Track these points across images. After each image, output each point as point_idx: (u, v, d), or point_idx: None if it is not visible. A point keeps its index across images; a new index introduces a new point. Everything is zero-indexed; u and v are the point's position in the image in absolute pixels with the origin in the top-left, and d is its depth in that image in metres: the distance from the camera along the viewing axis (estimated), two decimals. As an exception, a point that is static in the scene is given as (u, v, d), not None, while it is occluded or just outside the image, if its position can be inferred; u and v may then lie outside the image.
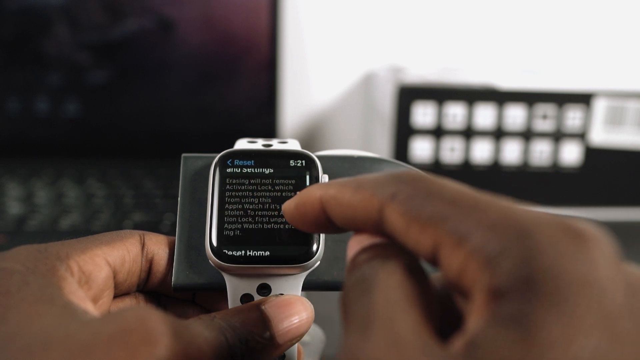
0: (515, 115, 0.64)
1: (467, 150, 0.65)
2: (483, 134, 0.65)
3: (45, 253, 0.24)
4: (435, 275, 0.21)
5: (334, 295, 0.42)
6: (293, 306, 0.26)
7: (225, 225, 0.27)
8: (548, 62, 0.79)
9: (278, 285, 0.27)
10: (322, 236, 0.27)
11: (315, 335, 0.38)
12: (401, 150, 0.65)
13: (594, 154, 0.66)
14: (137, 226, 0.56)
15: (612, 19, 0.78)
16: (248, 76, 0.70)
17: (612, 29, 0.78)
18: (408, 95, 0.63)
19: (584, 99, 0.64)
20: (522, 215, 0.17)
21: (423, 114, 0.64)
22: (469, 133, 0.65)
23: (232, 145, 0.30)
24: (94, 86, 0.70)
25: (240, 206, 0.28)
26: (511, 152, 0.65)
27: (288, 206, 0.24)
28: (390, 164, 0.31)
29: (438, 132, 0.64)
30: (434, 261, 0.19)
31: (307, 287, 0.28)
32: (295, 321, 0.25)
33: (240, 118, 0.71)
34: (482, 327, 0.16)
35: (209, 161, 0.29)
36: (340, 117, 0.80)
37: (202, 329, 0.23)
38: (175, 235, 0.29)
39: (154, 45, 0.69)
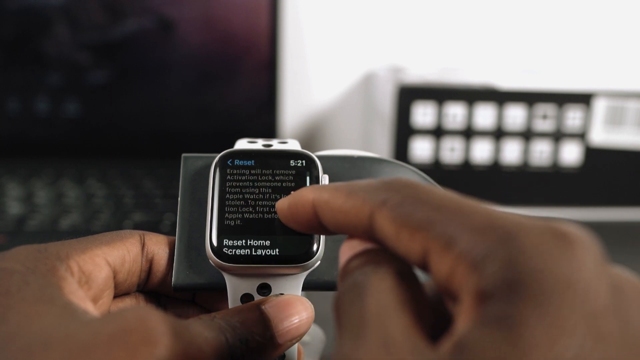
0: (515, 115, 0.64)
1: (467, 150, 0.65)
2: (483, 134, 0.65)
3: (45, 253, 0.24)
4: (427, 283, 0.21)
5: (334, 295, 0.42)
6: (293, 306, 0.26)
7: (225, 223, 0.27)
8: (548, 62, 0.79)
9: (278, 285, 0.27)
10: (322, 236, 0.27)
11: (315, 335, 0.38)
12: (401, 150, 0.65)
13: (594, 154, 0.66)
14: (137, 226, 0.56)
15: (612, 19, 0.78)
16: (248, 76, 0.70)
17: (612, 29, 0.78)
18: (408, 95, 0.63)
19: (584, 99, 0.64)
20: (507, 219, 0.18)
21: (423, 114, 0.64)
22: (469, 133, 0.65)
23: (232, 145, 0.30)
24: (94, 86, 0.70)
25: (240, 206, 0.28)
26: (511, 152, 0.65)
27: (281, 205, 0.24)
28: (391, 164, 0.31)
29: (438, 132, 0.64)
30: (424, 266, 0.19)
31: (307, 287, 0.28)
32: (296, 321, 0.25)
33: (240, 118, 0.71)
34: (469, 328, 0.16)
35: (209, 161, 0.29)
36: (340, 117, 0.80)
37: (202, 329, 0.23)
38: (175, 235, 0.29)
39: (154, 45, 0.69)
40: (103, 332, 0.20)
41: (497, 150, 0.65)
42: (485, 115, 0.64)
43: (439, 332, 0.19)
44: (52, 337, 0.20)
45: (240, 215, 0.27)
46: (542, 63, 0.79)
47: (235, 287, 0.27)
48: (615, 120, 0.65)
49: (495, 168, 0.66)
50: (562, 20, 0.77)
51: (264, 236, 0.27)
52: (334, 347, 0.19)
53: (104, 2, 0.68)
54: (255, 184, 0.28)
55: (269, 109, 0.71)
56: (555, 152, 0.65)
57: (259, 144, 0.30)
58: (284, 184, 0.28)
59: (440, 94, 0.63)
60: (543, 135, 0.65)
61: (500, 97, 0.64)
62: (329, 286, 0.28)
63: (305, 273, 0.27)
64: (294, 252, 0.27)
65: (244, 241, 0.27)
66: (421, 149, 0.65)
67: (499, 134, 0.65)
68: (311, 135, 0.81)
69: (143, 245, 0.27)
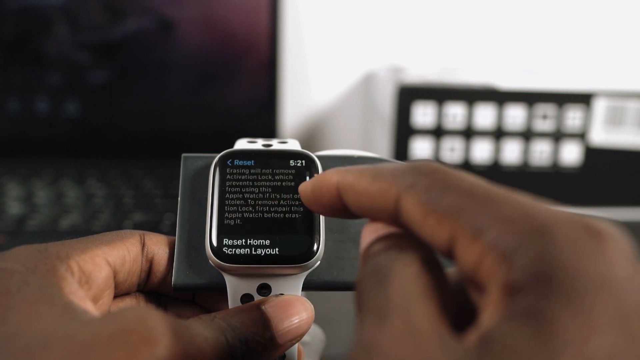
0: (515, 115, 0.64)
1: (467, 150, 0.65)
2: (483, 134, 0.65)
3: (45, 253, 0.24)
4: (449, 270, 0.21)
5: (334, 295, 0.42)
6: (293, 306, 0.26)
7: (225, 223, 0.27)
8: (548, 62, 0.79)
9: (278, 285, 0.27)
10: (322, 237, 0.27)
11: (315, 335, 0.39)
12: (401, 150, 0.65)
13: (594, 154, 0.66)
14: (137, 226, 0.56)
15: (612, 19, 0.78)
16: (248, 76, 0.70)
17: (612, 29, 0.78)
18: (408, 95, 0.63)
19: (584, 99, 0.64)
20: (541, 211, 0.17)
21: (423, 114, 0.64)
22: (469, 133, 0.65)
23: (232, 145, 0.30)
24: (94, 86, 0.70)
25: (240, 206, 0.28)
26: (511, 152, 0.65)
27: (304, 188, 0.24)
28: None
29: (438, 132, 0.64)
30: (449, 254, 0.19)
31: (307, 287, 0.28)
32: (296, 321, 0.25)
33: (240, 118, 0.71)
34: (496, 321, 0.16)
35: (209, 161, 0.29)
36: (340, 117, 0.80)
37: (202, 329, 0.23)
38: (175, 235, 0.29)
39: (154, 45, 0.69)
40: (103, 332, 0.20)
41: (497, 150, 0.65)
42: (485, 115, 0.64)
43: (459, 320, 0.18)
44: (52, 337, 0.20)
45: (240, 215, 0.27)
46: (542, 63, 0.79)
47: (235, 287, 0.27)
48: (615, 120, 0.65)
49: (495, 168, 0.66)
50: (562, 20, 0.77)
51: (264, 236, 0.27)
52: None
53: (104, 2, 0.68)
54: (255, 183, 0.28)
55: (269, 109, 0.71)
56: (555, 152, 0.65)
57: (258, 144, 0.30)
58: (283, 184, 0.28)
59: (440, 94, 0.63)
60: (543, 135, 0.65)
61: (500, 97, 0.64)
62: (329, 286, 0.28)
63: (305, 273, 0.27)
64: (294, 252, 0.27)
65: (243, 241, 0.27)
66: (421, 149, 0.65)
67: (499, 134, 0.65)
68: (311, 135, 0.81)
69: (143, 245, 0.27)
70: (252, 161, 0.29)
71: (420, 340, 0.16)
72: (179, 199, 0.29)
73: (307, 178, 0.28)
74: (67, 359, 0.19)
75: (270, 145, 0.30)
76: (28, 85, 0.70)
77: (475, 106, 0.64)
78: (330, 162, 0.30)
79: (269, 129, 0.71)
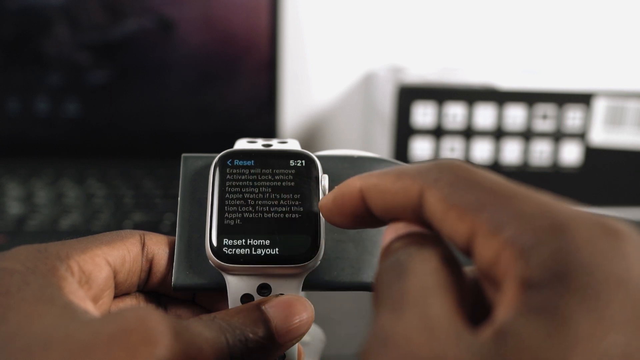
0: (515, 115, 0.64)
1: (467, 150, 0.65)
2: (483, 134, 0.65)
3: (45, 253, 0.24)
4: (467, 268, 0.21)
5: (334, 295, 0.42)
6: (293, 306, 0.26)
7: (225, 223, 0.27)
8: (548, 62, 0.79)
9: (278, 285, 0.27)
10: (322, 237, 0.27)
11: (315, 335, 0.39)
12: (401, 150, 0.65)
13: (594, 154, 0.66)
14: (137, 226, 0.56)
15: (612, 19, 0.78)
16: (248, 76, 0.70)
17: (612, 29, 0.78)
18: (408, 95, 0.63)
19: (584, 99, 0.64)
20: (559, 209, 0.18)
21: (423, 114, 0.64)
22: (469, 133, 0.65)
23: (232, 145, 0.30)
24: (94, 86, 0.70)
25: (240, 206, 0.28)
26: (511, 152, 0.65)
27: (325, 200, 0.24)
28: (390, 164, 0.31)
29: (438, 132, 0.64)
30: (468, 250, 0.19)
31: (307, 287, 0.28)
32: (296, 321, 0.25)
33: (240, 118, 0.71)
34: (512, 316, 0.16)
35: (209, 161, 0.29)
36: (340, 117, 0.80)
37: (202, 329, 0.23)
38: (175, 235, 0.29)
39: (154, 45, 0.69)
40: (103, 332, 0.20)
41: (497, 150, 0.65)
42: (485, 115, 0.64)
43: (475, 317, 0.19)
44: (52, 337, 0.20)
45: (240, 215, 0.27)
46: (542, 63, 0.79)
47: (235, 287, 0.27)
48: (615, 120, 0.65)
49: (495, 168, 0.65)
50: (562, 20, 0.77)
51: (264, 236, 0.27)
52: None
53: (104, 2, 0.68)
54: (255, 183, 0.28)
55: (269, 109, 0.71)
56: (555, 152, 0.65)
57: (258, 144, 0.30)
58: (283, 184, 0.28)
59: (440, 94, 0.63)
60: (543, 135, 0.65)
61: (500, 97, 0.64)
62: (329, 286, 0.28)
63: (305, 273, 0.27)
64: (294, 252, 0.27)
65: (243, 241, 0.27)
66: (421, 149, 0.65)
67: (499, 134, 0.65)
68: (311, 135, 0.81)
69: (143, 245, 0.27)
70: (252, 161, 0.29)
71: (435, 332, 0.16)
72: (179, 199, 0.29)
73: (307, 178, 0.28)
74: (67, 359, 0.19)
75: (270, 145, 0.30)
76: (28, 85, 0.70)
77: (475, 106, 0.64)
78: (330, 162, 0.30)
79: (269, 129, 0.71)
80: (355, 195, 0.23)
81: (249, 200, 0.28)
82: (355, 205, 0.23)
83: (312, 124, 0.80)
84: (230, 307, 0.27)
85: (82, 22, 0.68)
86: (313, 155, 0.29)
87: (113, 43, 0.69)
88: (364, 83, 0.79)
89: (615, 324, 0.15)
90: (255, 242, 0.27)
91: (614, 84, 0.65)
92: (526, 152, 0.65)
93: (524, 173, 0.66)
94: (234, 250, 0.27)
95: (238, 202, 0.28)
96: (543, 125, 0.64)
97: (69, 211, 0.58)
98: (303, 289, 0.28)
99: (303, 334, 0.26)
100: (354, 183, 0.23)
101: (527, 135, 0.65)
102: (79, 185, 0.64)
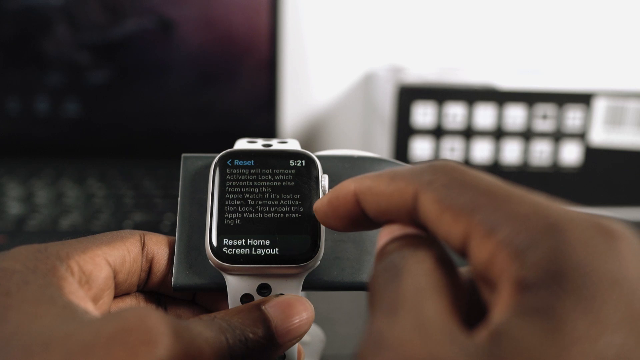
0: (515, 115, 0.64)
1: (467, 150, 0.65)
2: (483, 134, 0.65)
3: (46, 253, 0.24)
4: (462, 269, 0.21)
5: (334, 295, 0.42)
6: (293, 306, 0.26)
7: (225, 223, 0.27)
8: (548, 62, 0.79)
9: (278, 285, 0.27)
10: (322, 237, 0.27)
11: (315, 335, 0.39)
12: (401, 150, 0.65)
13: (594, 154, 0.66)
14: (137, 226, 0.56)
15: (612, 19, 0.78)
16: (248, 76, 0.70)
17: (612, 29, 0.78)
18: (408, 95, 0.63)
19: (584, 99, 0.64)
20: (554, 210, 0.18)
21: (423, 114, 0.64)
22: (469, 133, 0.65)
23: (232, 145, 0.30)
24: (94, 86, 0.70)
25: (240, 206, 0.28)
26: (511, 152, 0.65)
27: (320, 203, 0.24)
28: (390, 164, 0.31)
29: (438, 132, 0.64)
30: (463, 251, 0.19)
31: (307, 287, 0.28)
32: (296, 321, 0.25)
33: (240, 118, 0.71)
34: (507, 317, 0.16)
35: (209, 161, 0.29)
36: (340, 117, 0.80)
37: (202, 329, 0.23)
38: (175, 235, 0.29)
39: (154, 45, 0.69)
40: (103, 332, 0.20)
41: (497, 150, 0.65)
42: (485, 115, 0.64)
43: (470, 319, 0.19)
44: (52, 337, 0.20)
45: (240, 215, 0.27)
46: (542, 63, 0.79)
47: (235, 287, 0.27)
48: (615, 120, 0.65)
49: (495, 168, 0.66)
50: (562, 20, 0.77)
51: (264, 236, 0.27)
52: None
53: (104, 2, 0.68)
54: (255, 183, 0.28)
55: (269, 109, 0.71)
56: (555, 152, 0.65)
57: (258, 144, 0.30)
58: (283, 184, 0.28)
59: (440, 94, 0.63)
60: (543, 135, 0.65)
61: (500, 97, 0.64)
62: (329, 286, 0.28)
63: (305, 273, 0.27)
64: (294, 252, 0.27)
65: (243, 241, 0.27)
66: (421, 149, 0.65)
67: (499, 134, 0.65)
68: (311, 135, 0.81)
69: (143, 245, 0.27)
70: (252, 161, 0.29)
71: (430, 334, 0.16)
72: (179, 199, 0.29)
73: (307, 178, 0.28)
74: (67, 358, 0.19)
75: (270, 145, 0.30)
76: (28, 85, 0.70)
77: (475, 106, 0.64)
78: (330, 162, 0.30)
79: (269, 129, 0.71)
80: (349, 198, 0.22)
81: (249, 200, 0.28)
82: (349, 208, 0.23)
83: (312, 124, 0.80)
84: (230, 307, 0.27)
85: (82, 22, 0.68)
86: (313, 155, 0.29)
87: (113, 43, 0.69)
88: (364, 83, 0.79)
89: (611, 324, 0.15)
90: (255, 242, 0.27)
91: (614, 84, 0.65)
92: (526, 152, 0.65)
93: (524, 173, 0.66)
94: (234, 250, 0.27)
95: (238, 202, 0.28)
96: (543, 125, 0.64)
97: (69, 211, 0.58)
98: (303, 289, 0.28)
99: (303, 334, 0.26)
100: (348, 186, 0.23)
101: (527, 135, 0.65)
102: (79, 185, 0.64)
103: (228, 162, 0.29)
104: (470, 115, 0.64)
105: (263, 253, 0.27)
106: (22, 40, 0.69)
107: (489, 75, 0.69)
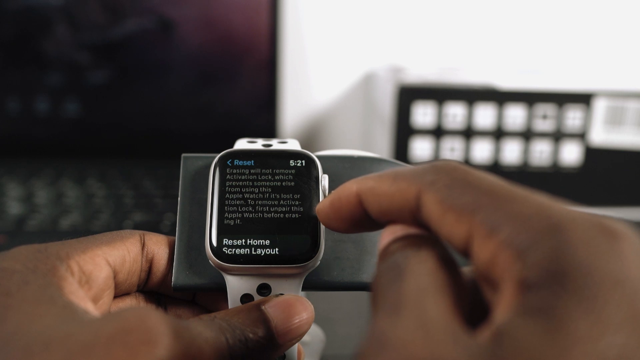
0: (515, 115, 0.64)
1: (467, 150, 0.65)
2: (483, 134, 0.65)
3: (46, 253, 0.24)
4: (464, 269, 0.21)
5: (334, 295, 0.42)
6: (293, 306, 0.26)
7: (225, 223, 0.27)
8: (548, 62, 0.79)
9: (278, 285, 0.27)
10: (322, 237, 0.27)
11: (315, 335, 0.39)
12: (401, 150, 0.65)
13: (594, 154, 0.66)
14: (137, 226, 0.56)
15: (612, 19, 0.78)
16: (248, 76, 0.70)
17: (612, 29, 0.78)
18: (408, 95, 0.63)
19: (584, 99, 0.64)
20: (556, 210, 0.18)
21: (423, 114, 0.64)
22: (469, 133, 0.65)
23: (232, 145, 0.30)
24: (94, 86, 0.70)
25: (240, 206, 0.28)
26: (511, 152, 0.65)
27: (322, 205, 0.24)
28: (390, 164, 0.31)
29: (438, 132, 0.64)
30: (466, 251, 0.19)
31: (307, 287, 0.28)
32: (296, 321, 0.25)
33: (240, 118, 0.71)
34: (509, 317, 0.16)
35: (209, 161, 0.29)
36: (340, 117, 0.80)
37: (202, 329, 0.23)
38: (175, 235, 0.29)
39: (154, 45, 0.69)
40: (103, 332, 0.20)
41: (497, 150, 0.65)
42: (485, 115, 0.64)
43: (475, 320, 0.19)
44: (52, 337, 0.20)
45: (240, 215, 0.27)
46: (542, 63, 0.79)
47: (235, 287, 0.27)
48: (615, 120, 0.65)
49: (495, 168, 0.66)
50: (562, 20, 0.77)
51: (264, 236, 0.27)
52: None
53: (104, 2, 0.68)
54: (255, 183, 0.28)
55: (269, 109, 0.71)
56: (555, 152, 0.65)
57: (258, 144, 0.30)
58: (283, 184, 0.28)
59: (440, 94, 0.63)
60: (543, 135, 0.65)
61: (500, 97, 0.64)
62: (329, 286, 0.28)
63: (305, 273, 0.27)
64: (294, 252, 0.27)
65: (243, 241, 0.27)
66: (421, 149, 0.65)
67: (499, 134, 0.65)
68: (311, 135, 0.81)
69: (143, 245, 0.27)
70: (252, 161, 0.29)
71: (432, 334, 0.16)
72: (179, 199, 0.29)
73: (307, 178, 0.28)
74: (67, 358, 0.19)
75: (270, 145, 0.30)
76: (28, 85, 0.70)
77: (475, 106, 0.64)
78: (330, 162, 0.30)
79: (269, 129, 0.71)
80: (352, 199, 0.22)
81: (249, 200, 0.28)
82: (352, 209, 0.23)
83: (312, 124, 0.80)
84: (230, 307, 0.27)
85: (82, 22, 0.68)
86: (313, 155, 0.29)
87: (113, 43, 0.69)
88: (364, 83, 0.79)
89: (612, 324, 0.15)
90: (255, 242, 0.27)
91: (614, 84, 0.65)
92: (526, 152, 0.65)
93: (524, 173, 0.66)
94: (233, 250, 0.27)
95: (238, 202, 0.28)
96: (543, 125, 0.64)
97: (69, 211, 0.58)
98: (303, 289, 0.28)
99: (303, 334, 0.26)
100: (351, 186, 0.23)
101: (527, 135, 0.65)
102: (79, 185, 0.64)
103: (228, 162, 0.29)
104: (470, 115, 0.64)
105: (263, 253, 0.27)
106: (22, 40, 0.69)
107: (489, 75, 0.69)
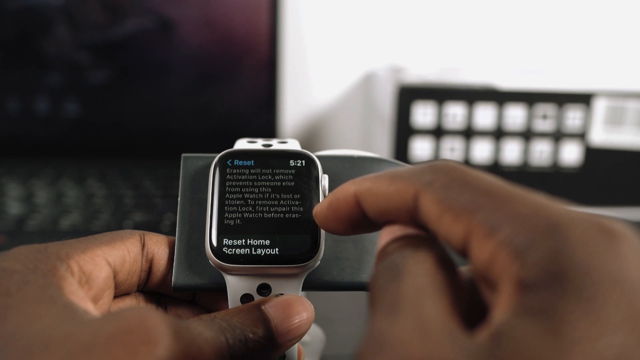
0: (515, 115, 0.64)
1: (467, 150, 0.65)
2: (483, 134, 0.65)
3: (46, 253, 0.24)
4: (463, 268, 0.21)
5: (334, 295, 0.42)
6: (293, 306, 0.26)
7: (225, 223, 0.27)
8: (548, 62, 0.79)
9: (278, 285, 0.27)
10: (322, 237, 0.27)
11: (315, 335, 0.39)
12: (401, 150, 0.65)
13: (594, 154, 0.66)
14: (137, 226, 0.56)
15: (612, 19, 0.78)
16: (248, 76, 0.70)
17: (612, 29, 0.78)
18: (408, 95, 0.63)
19: (584, 99, 0.64)
20: (555, 209, 0.18)
21: (423, 114, 0.64)
22: (469, 133, 0.65)
23: (232, 145, 0.30)
24: (94, 86, 0.70)
25: (240, 206, 0.28)
26: (511, 152, 0.65)
27: (320, 207, 0.24)
28: (391, 164, 0.31)
29: (438, 132, 0.64)
30: (464, 251, 0.19)
31: (307, 287, 0.28)
32: (296, 321, 0.25)
33: (240, 118, 0.71)
34: (508, 317, 0.16)
35: (209, 161, 0.29)
36: (340, 117, 0.80)
37: (202, 328, 0.23)
38: (175, 235, 0.29)
39: (154, 45, 0.69)
40: (103, 332, 0.20)
41: (497, 150, 0.65)
42: (485, 115, 0.64)
43: (471, 319, 0.18)
44: (52, 337, 0.20)
45: (240, 215, 0.27)
46: (542, 63, 0.79)
47: (235, 287, 0.27)
48: (615, 120, 0.65)
49: (495, 168, 0.66)
50: (562, 20, 0.77)
51: (264, 236, 0.27)
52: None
53: (104, 2, 0.68)
54: (255, 183, 0.28)
55: (269, 109, 0.71)
56: (555, 152, 0.65)
57: (258, 144, 0.30)
58: (283, 184, 0.28)
59: (440, 94, 0.63)
60: (543, 135, 0.65)
61: (500, 97, 0.64)
62: (329, 286, 0.28)
63: (305, 273, 0.27)
64: (294, 252, 0.27)
65: (243, 241, 0.27)
66: (421, 149, 0.65)
67: (499, 134, 0.65)
68: (311, 135, 0.81)
69: (143, 245, 0.27)
70: (252, 161, 0.29)
71: (430, 335, 0.16)
72: (179, 199, 0.29)
73: (307, 178, 0.28)
74: (67, 359, 0.19)
75: (270, 145, 0.30)
76: (28, 85, 0.70)
77: (475, 106, 0.64)
78: (330, 162, 0.30)
79: (269, 129, 0.71)
80: (350, 200, 0.22)
81: (249, 200, 0.28)
82: (350, 210, 0.22)
83: (312, 124, 0.80)
84: (230, 307, 0.27)
85: (82, 22, 0.68)
86: (313, 155, 0.29)
87: (113, 43, 0.69)
88: (364, 83, 0.79)
89: (611, 324, 0.15)
90: (255, 242, 0.27)
91: (614, 84, 0.65)
92: (526, 152, 0.65)
93: (524, 173, 0.66)
94: (234, 250, 0.27)
95: (238, 202, 0.28)
96: (543, 125, 0.64)
97: (69, 211, 0.58)
98: (303, 289, 0.28)
99: (303, 334, 0.26)
100: (348, 188, 0.22)
101: (527, 135, 0.65)
102: (79, 185, 0.64)
103: (228, 162, 0.29)
104: (470, 115, 0.64)
105: (263, 253, 0.27)
106: (22, 40, 0.69)
107: (489, 75, 0.69)
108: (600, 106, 0.64)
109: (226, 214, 0.27)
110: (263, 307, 0.25)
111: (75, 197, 0.61)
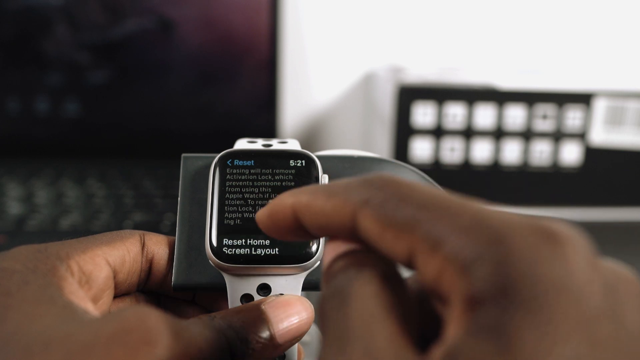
0: (515, 115, 0.64)
1: (467, 150, 0.65)
2: (483, 134, 0.65)
3: (45, 253, 0.24)
4: (412, 277, 0.20)
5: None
6: (293, 306, 0.26)
7: (225, 223, 0.27)
8: (548, 62, 0.79)
9: (278, 285, 0.27)
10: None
11: (315, 335, 0.39)
12: (401, 150, 0.65)
13: (594, 154, 0.66)
14: (137, 226, 0.56)
15: (612, 19, 0.78)
16: (248, 76, 0.70)
17: (612, 29, 0.78)
18: (408, 95, 0.63)
19: (584, 99, 0.64)
20: (496, 218, 0.17)
21: (423, 114, 0.64)
22: (469, 133, 0.65)
23: (232, 145, 0.30)
24: (94, 86, 0.70)
25: (240, 206, 0.28)
26: (511, 152, 0.65)
27: (261, 214, 0.23)
28: (391, 164, 0.31)
29: (438, 132, 0.64)
30: (410, 267, 0.18)
31: (307, 287, 0.28)
32: (296, 321, 0.25)
33: (240, 118, 0.71)
34: (460, 337, 0.16)
35: (209, 161, 0.29)
36: (340, 117, 0.80)
37: (202, 328, 0.23)
38: (175, 235, 0.29)
39: (154, 45, 0.69)
40: (103, 332, 0.20)
41: (497, 150, 0.65)
42: (485, 115, 0.64)
43: (425, 329, 0.18)
44: (52, 337, 0.20)
45: (240, 215, 0.27)
46: (542, 63, 0.79)
47: (235, 287, 0.27)
48: (615, 120, 0.65)
49: (495, 168, 0.66)
50: (562, 20, 0.77)
51: (264, 236, 0.27)
52: (319, 355, 0.18)
53: (104, 2, 0.68)
54: (255, 183, 0.28)
55: (269, 109, 0.71)
56: (555, 152, 0.65)
57: (258, 144, 0.30)
58: (283, 184, 0.28)
59: (440, 94, 0.63)
60: (543, 135, 0.65)
61: (500, 97, 0.64)
62: (329, 286, 0.28)
63: (305, 273, 0.27)
64: (294, 252, 0.27)
65: (243, 241, 0.27)
66: (421, 149, 0.65)
67: (499, 134, 0.65)
68: (311, 135, 0.81)
69: (143, 245, 0.27)
70: (252, 161, 0.29)
71: None
72: (179, 199, 0.29)
73: (307, 178, 0.28)
74: (67, 359, 0.19)
75: (270, 145, 0.30)
76: (28, 85, 0.70)
77: (475, 106, 0.64)
78: (330, 162, 0.30)
79: (269, 129, 0.71)
80: (287, 214, 0.21)
81: (249, 200, 0.28)
82: (289, 223, 0.22)
83: (312, 124, 0.80)
84: (230, 307, 0.27)
85: (82, 22, 0.68)
86: (313, 155, 0.29)
87: (113, 43, 0.69)
88: (364, 83, 0.79)
89: (561, 335, 0.15)
90: (255, 242, 0.27)
91: (614, 84, 0.65)
92: (526, 152, 0.65)
93: (524, 173, 0.66)
94: (234, 250, 0.27)
95: (238, 202, 0.28)
96: (543, 125, 0.64)
97: (69, 211, 0.58)
98: (303, 289, 0.28)
99: (303, 334, 0.26)
100: (286, 200, 0.21)
101: (527, 135, 0.65)
102: (79, 185, 0.64)
103: (228, 162, 0.29)
104: (470, 115, 0.64)
105: (263, 253, 0.27)
106: (22, 40, 0.69)
107: (489, 75, 0.69)
108: (600, 106, 0.64)
109: (226, 214, 0.27)
110: (263, 307, 0.25)
111: (75, 197, 0.61)
